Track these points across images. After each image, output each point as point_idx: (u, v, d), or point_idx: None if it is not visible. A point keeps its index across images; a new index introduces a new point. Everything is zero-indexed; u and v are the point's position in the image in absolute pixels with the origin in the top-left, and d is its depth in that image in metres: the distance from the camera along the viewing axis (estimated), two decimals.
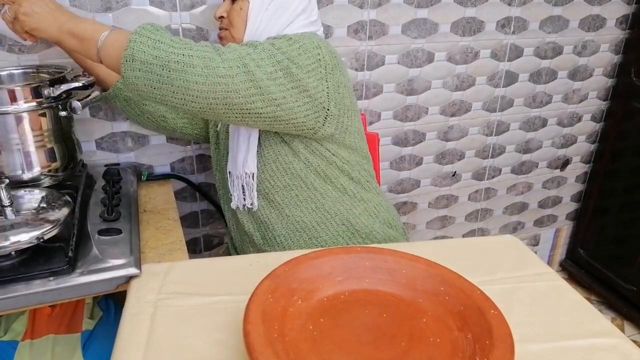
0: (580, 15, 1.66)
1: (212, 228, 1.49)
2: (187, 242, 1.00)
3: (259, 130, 0.98)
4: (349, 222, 1.03)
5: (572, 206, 2.07)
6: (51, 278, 0.76)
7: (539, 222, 2.04)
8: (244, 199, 1.05)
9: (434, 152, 1.69)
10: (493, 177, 1.84)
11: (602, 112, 1.89)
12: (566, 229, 2.11)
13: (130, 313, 0.70)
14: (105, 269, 0.79)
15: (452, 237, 1.88)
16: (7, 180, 0.81)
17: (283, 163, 0.99)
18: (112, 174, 1.13)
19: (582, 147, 1.94)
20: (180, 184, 1.37)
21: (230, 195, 1.08)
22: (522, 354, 0.58)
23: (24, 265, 0.78)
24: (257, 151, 1.00)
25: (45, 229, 0.79)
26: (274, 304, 0.62)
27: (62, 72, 1.01)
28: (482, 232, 1.95)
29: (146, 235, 0.98)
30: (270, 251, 1.05)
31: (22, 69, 1.08)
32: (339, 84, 0.94)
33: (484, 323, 0.61)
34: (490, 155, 1.78)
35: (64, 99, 0.98)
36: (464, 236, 1.91)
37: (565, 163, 1.94)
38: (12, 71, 1.07)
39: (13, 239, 0.77)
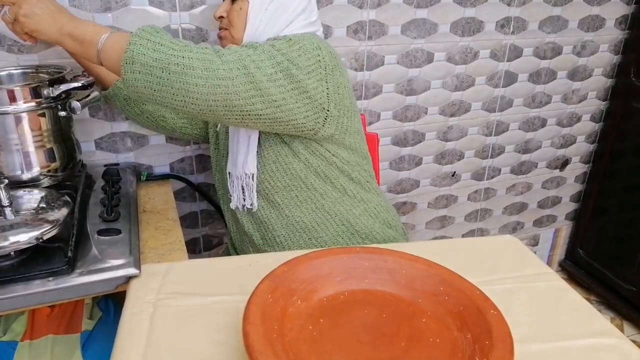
0: (579, 16, 1.66)
1: (211, 228, 1.49)
2: (186, 242, 1.00)
3: (259, 131, 0.98)
4: (348, 222, 1.03)
5: (572, 206, 2.07)
6: (50, 278, 0.76)
7: (538, 222, 2.04)
8: (244, 200, 1.05)
9: (434, 152, 1.69)
10: (492, 177, 1.84)
11: (601, 112, 1.89)
12: (565, 229, 2.11)
13: (130, 313, 0.70)
14: (104, 269, 0.79)
15: (451, 237, 1.88)
16: (6, 181, 0.81)
17: (283, 164, 0.99)
18: (112, 174, 1.13)
19: (582, 147, 1.94)
20: (180, 184, 1.37)
21: (230, 195, 1.08)
22: (521, 354, 0.58)
23: (23, 266, 0.78)
24: (257, 152, 1.00)
25: (45, 229, 0.79)
26: (273, 304, 0.62)
27: (61, 72, 1.01)
28: (482, 232, 1.95)
29: (145, 235, 0.98)
30: (270, 251, 1.05)
31: (22, 69, 1.08)
32: (339, 85, 0.94)
33: (484, 323, 0.61)
34: (489, 156, 1.78)
35: (63, 99, 0.98)
36: (463, 236, 1.92)
37: (564, 163, 1.94)
38: (11, 71, 1.07)
39: (12, 239, 0.76)
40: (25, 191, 0.91)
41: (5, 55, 1.10)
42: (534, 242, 2.08)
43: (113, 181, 1.10)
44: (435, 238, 1.86)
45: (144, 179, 1.27)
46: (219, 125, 1.14)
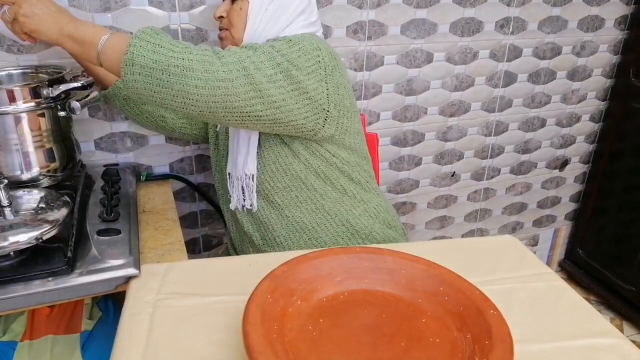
0: (579, 16, 1.66)
1: (211, 228, 1.49)
2: (186, 243, 1.00)
3: (259, 132, 0.98)
4: (348, 222, 1.03)
5: (571, 206, 2.07)
6: (50, 278, 0.76)
7: (538, 223, 2.04)
8: (244, 200, 1.05)
9: (433, 152, 1.69)
10: (492, 178, 1.84)
11: (600, 113, 1.90)
12: (565, 229, 2.11)
13: (130, 313, 0.70)
14: (104, 270, 0.79)
15: (451, 238, 1.88)
16: (5, 181, 0.81)
17: (283, 164, 0.99)
18: (111, 174, 1.13)
19: (581, 147, 1.94)
20: (179, 184, 1.37)
21: (230, 196, 1.08)
22: (521, 354, 0.58)
23: (23, 266, 0.78)
24: (257, 152, 1.00)
25: (44, 229, 0.79)
26: (273, 304, 0.62)
27: (60, 73, 1.01)
28: (481, 233, 1.95)
29: (145, 235, 0.98)
30: (270, 252, 1.05)
31: (21, 69, 1.08)
32: (339, 85, 0.94)
33: (483, 323, 0.61)
34: (489, 156, 1.79)
35: (63, 99, 0.98)
36: (463, 236, 1.92)
37: (564, 163, 1.94)
38: (10, 71, 1.07)
39: (12, 239, 0.76)
40: (24, 191, 0.91)
41: (5, 55, 1.10)
42: (533, 242, 2.08)
43: (112, 181, 1.10)
44: (435, 238, 1.86)
45: (144, 179, 1.27)
46: (218, 126, 1.14)
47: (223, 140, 1.11)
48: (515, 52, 1.63)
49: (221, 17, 1.01)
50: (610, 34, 1.74)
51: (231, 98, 0.81)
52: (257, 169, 1.01)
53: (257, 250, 1.08)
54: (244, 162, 1.01)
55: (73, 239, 0.83)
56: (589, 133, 1.92)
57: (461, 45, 1.54)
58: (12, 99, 0.92)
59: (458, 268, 0.71)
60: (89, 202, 1.01)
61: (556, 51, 1.69)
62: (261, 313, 0.59)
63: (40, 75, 1.06)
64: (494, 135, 1.75)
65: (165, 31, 0.83)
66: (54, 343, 0.94)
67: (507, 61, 1.63)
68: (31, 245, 0.78)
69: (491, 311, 0.62)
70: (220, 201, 1.19)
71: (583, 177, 2.01)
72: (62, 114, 0.98)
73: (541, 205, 2.00)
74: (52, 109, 0.97)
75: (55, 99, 0.96)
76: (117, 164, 1.27)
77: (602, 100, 1.87)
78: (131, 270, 0.79)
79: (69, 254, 0.79)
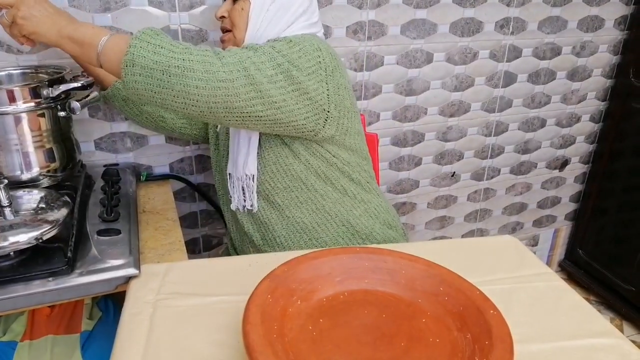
0: (578, 16, 1.66)
1: (211, 228, 1.49)
2: (186, 243, 1.00)
3: (260, 132, 0.98)
4: (349, 223, 1.04)
5: (571, 206, 2.07)
6: (50, 278, 0.76)
7: (538, 223, 2.04)
8: (244, 201, 1.05)
9: (433, 152, 1.69)
10: (492, 178, 1.84)
11: (600, 113, 1.90)
12: (565, 229, 2.11)
13: (130, 313, 0.70)
14: (104, 270, 0.79)
15: (451, 238, 1.88)
16: (6, 181, 0.81)
17: (283, 165, 0.99)
18: (111, 174, 1.13)
19: (581, 147, 1.94)
20: (179, 184, 1.37)
21: (230, 196, 1.08)
22: (521, 354, 0.58)
23: (23, 266, 0.78)
24: (258, 153, 1.00)
25: (44, 229, 0.79)
26: (273, 304, 0.62)
27: (60, 73, 1.01)
28: (481, 233, 1.95)
29: (145, 235, 0.98)
30: (270, 252, 1.05)
31: (21, 69, 1.08)
32: (339, 86, 0.94)
33: (483, 323, 0.61)
34: (489, 156, 1.79)
35: (63, 100, 0.98)
36: (463, 236, 1.92)
37: (564, 163, 1.94)
38: (10, 71, 1.07)
39: (12, 239, 0.76)
40: (24, 191, 0.91)
41: (5, 55, 1.10)
42: (533, 243, 2.08)
43: (113, 181, 1.10)
44: (435, 238, 1.86)
45: (144, 179, 1.27)
46: (219, 126, 1.14)
47: (223, 141, 1.11)
48: (515, 53, 1.63)
49: (222, 17, 1.01)
50: (610, 34, 1.75)
51: (232, 98, 0.81)
52: (258, 169, 1.01)
53: (258, 250, 1.08)
54: (244, 162, 1.01)
55: (73, 239, 0.83)
56: (589, 133, 1.92)
57: (461, 45, 1.54)
58: (12, 99, 0.92)
59: (458, 268, 0.71)
60: (89, 202, 1.01)
61: (556, 51, 1.69)
62: (261, 313, 0.59)
63: (40, 75, 1.06)
64: (494, 136, 1.75)
65: (165, 31, 0.83)
66: (54, 343, 0.94)
67: (507, 61, 1.63)
68: (31, 245, 0.78)
69: (491, 311, 0.62)
70: (220, 201, 1.19)
71: (583, 177, 2.01)
72: (62, 114, 0.98)
73: (541, 205, 2.00)
74: (52, 109, 0.97)
75: (55, 99, 0.96)
76: (117, 164, 1.27)
77: (602, 101, 1.87)
78: (131, 270, 0.79)
79: (69, 254, 0.79)
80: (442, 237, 1.88)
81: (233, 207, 1.08)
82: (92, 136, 1.25)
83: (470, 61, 1.57)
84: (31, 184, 0.98)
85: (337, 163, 1.01)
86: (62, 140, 1.02)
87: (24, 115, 0.94)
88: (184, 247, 0.94)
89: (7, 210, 0.81)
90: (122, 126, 1.27)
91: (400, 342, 0.61)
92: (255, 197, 1.03)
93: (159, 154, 1.33)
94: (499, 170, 1.84)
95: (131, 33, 1.07)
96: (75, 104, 0.94)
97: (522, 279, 0.80)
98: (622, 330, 1.83)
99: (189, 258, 0.92)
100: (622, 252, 1.87)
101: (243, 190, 1.03)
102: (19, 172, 0.97)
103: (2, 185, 0.80)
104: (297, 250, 0.99)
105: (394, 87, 1.51)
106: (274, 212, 1.03)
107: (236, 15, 0.98)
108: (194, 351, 0.63)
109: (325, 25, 1.34)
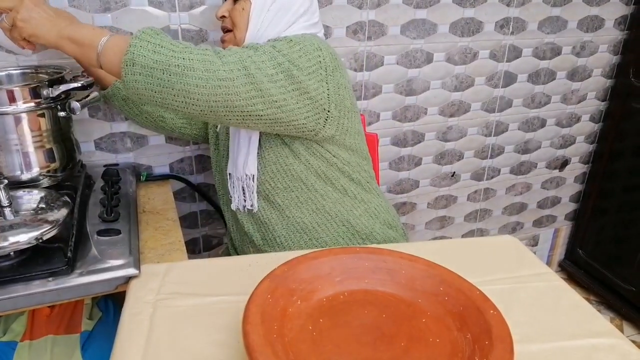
0: (578, 16, 1.66)
1: (211, 228, 1.49)
2: (186, 243, 1.00)
3: (260, 132, 0.98)
4: (349, 223, 1.04)
5: (571, 206, 2.07)
6: (50, 279, 0.76)
7: (538, 223, 2.04)
8: (244, 201, 1.05)
9: (433, 152, 1.69)
10: (492, 178, 1.84)
11: (600, 113, 1.90)
12: (565, 229, 2.11)
13: (130, 313, 0.70)
14: (104, 270, 0.79)
15: (451, 238, 1.88)
16: (6, 181, 0.81)
17: (283, 165, 0.99)
18: (111, 174, 1.13)
19: (581, 147, 1.94)
20: (179, 185, 1.37)
21: (230, 196, 1.08)
22: (521, 354, 0.58)
23: (23, 266, 0.78)
24: (258, 153, 1.00)
25: (44, 229, 0.79)
26: (273, 305, 0.62)
27: (60, 73, 1.01)
28: (481, 233, 1.95)
29: (145, 235, 0.98)
30: (270, 252, 1.05)
31: (21, 69, 1.08)
32: (339, 86, 0.94)
33: (483, 323, 0.61)
34: (489, 156, 1.79)
35: (63, 100, 0.98)
36: (463, 236, 1.92)
37: (564, 163, 1.94)
38: (10, 71, 1.07)
39: (12, 239, 0.76)
40: (24, 191, 0.91)
41: (5, 55, 1.10)
42: (533, 243, 2.08)
43: (113, 181, 1.10)
44: (435, 238, 1.86)
45: (144, 179, 1.27)
46: (219, 126, 1.14)
47: (223, 141, 1.11)
48: (515, 53, 1.63)
49: (223, 16, 1.01)
50: (610, 34, 1.75)
51: (232, 97, 0.81)
52: (258, 169, 1.01)
53: (258, 250, 1.08)
54: (244, 162, 1.01)
55: (73, 239, 0.83)
56: (589, 133, 1.92)
57: (461, 45, 1.54)
58: (12, 99, 0.92)
59: (458, 268, 0.71)
60: (89, 202, 1.01)
61: (556, 51, 1.69)
62: (261, 313, 0.59)
63: (40, 75, 1.06)
64: (494, 136, 1.75)
65: (165, 31, 0.83)
66: (54, 343, 0.94)
67: (507, 61, 1.63)
68: (31, 245, 0.78)
69: (491, 311, 0.62)
70: (220, 201, 1.19)
71: (583, 177, 2.01)
72: (62, 114, 0.98)
73: (541, 205, 2.00)
74: (52, 109, 0.97)
75: (55, 99, 0.96)
76: (117, 164, 1.27)
77: (602, 101, 1.87)
78: (131, 271, 0.79)
79: (69, 254, 0.79)
80: (442, 237, 1.88)
81: (233, 207, 1.08)
82: (92, 136, 1.25)
83: (470, 61, 1.58)
84: (31, 184, 0.98)
85: (337, 163, 1.01)
86: (62, 140, 1.02)
87: (24, 115, 0.94)
88: (184, 247, 0.94)
89: (7, 210, 0.81)
90: (122, 126, 1.27)
91: (400, 342, 0.61)
92: (256, 197, 1.03)
93: (159, 154, 1.33)
94: (499, 170, 1.84)
95: (131, 33, 1.06)
96: (75, 104, 0.94)
97: (522, 279, 0.80)
98: (622, 330, 1.83)
99: (189, 258, 0.92)
100: (622, 252, 1.87)
101: (243, 190, 1.03)
102: (19, 172, 0.97)
103: (2, 185, 0.80)
104: (297, 250, 0.99)
105: (394, 87, 1.51)
106: (274, 212, 1.03)
107: (237, 15, 0.98)
108: (194, 351, 0.63)
109: (325, 25, 1.34)
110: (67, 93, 0.98)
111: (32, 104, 0.94)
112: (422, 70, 1.53)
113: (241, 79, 0.81)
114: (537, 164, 1.89)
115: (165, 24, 1.20)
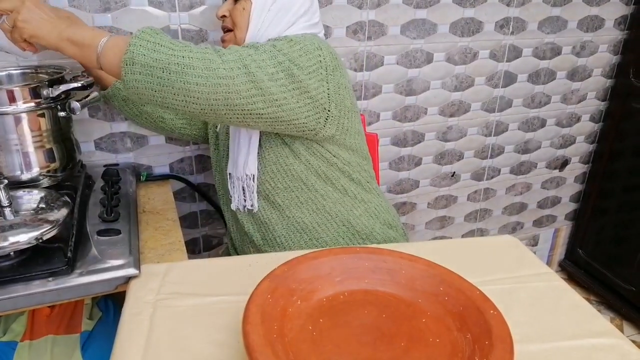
0: (578, 16, 1.66)
1: (211, 228, 1.49)
2: (186, 243, 1.00)
3: (260, 132, 0.98)
4: (349, 223, 1.04)
5: (571, 206, 2.07)
6: (50, 279, 0.76)
7: (538, 223, 2.04)
8: (245, 201, 1.05)
9: (433, 152, 1.69)
10: (492, 178, 1.84)
11: (600, 113, 1.90)
12: (565, 229, 2.11)
13: (130, 313, 0.70)
14: (104, 270, 0.79)
15: (451, 238, 1.88)
16: (6, 181, 0.81)
17: (284, 165, 0.99)
18: (111, 174, 1.13)
19: (581, 147, 1.94)
20: (179, 185, 1.37)
21: (231, 196, 1.08)
22: (521, 354, 0.58)
23: (23, 266, 0.78)
24: (258, 153, 1.00)
25: (44, 229, 0.79)
26: (273, 305, 0.62)
27: (60, 73, 1.01)
28: (481, 233, 1.95)
29: (145, 235, 0.98)
30: (270, 252, 1.05)
31: (21, 69, 1.08)
32: (340, 85, 0.94)
33: (483, 323, 0.61)
34: (489, 156, 1.79)
35: (63, 100, 0.98)
36: (463, 236, 1.92)
37: (564, 163, 1.94)
38: (10, 71, 1.07)
39: (12, 239, 0.76)
40: (24, 191, 0.91)
41: (5, 55, 1.09)
42: (533, 242, 2.08)
43: (113, 181, 1.10)
44: (435, 238, 1.86)
45: (144, 179, 1.27)
46: (218, 126, 1.14)
47: (223, 141, 1.11)
48: (515, 52, 1.63)
49: (224, 16, 1.01)
50: (610, 34, 1.75)
51: (232, 95, 0.81)
52: (258, 169, 1.01)
53: (258, 250, 1.08)
54: (244, 162, 1.01)
55: (73, 239, 0.83)
56: (588, 133, 1.92)
57: (461, 45, 1.54)
58: (12, 99, 0.92)
59: (458, 268, 0.71)
60: (89, 202, 1.01)
61: (556, 51, 1.69)
62: (261, 313, 0.59)
63: (40, 75, 1.06)
64: (494, 136, 1.75)
65: (165, 31, 0.83)
66: (54, 343, 0.94)
67: (507, 61, 1.63)
68: (31, 245, 0.78)
69: (491, 311, 0.62)
70: (220, 201, 1.19)
71: (583, 177, 2.01)
72: (62, 114, 0.98)
73: (541, 205, 2.00)
74: (52, 109, 0.97)
75: (55, 99, 0.96)
76: (117, 164, 1.27)
77: (602, 101, 1.87)
78: (131, 271, 0.79)
79: (69, 254, 0.79)
80: (442, 237, 1.88)
81: (233, 207, 1.08)
82: (92, 136, 1.25)
83: (470, 61, 1.57)
84: (31, 184, 0.98)
85: (337, 163, 1.01)
86: (62, 140, 1.02)
87: (24, 115, 0.94)
88: (184, 247, 0.94)
89: (7, 210, 0.81)
90: (122, 126, 1.27)
91: (400, 342, 0.61)
92: (256, 197, 1.03)
93: (159, 154, 1.33)
94: (499, 170, 1.84)
95: (131, 33, 1.06)
96: (75, 104, 0.94)
97: (522, 278, 0.80)
98: (622, 330, 1.83)
99: (189, 258, 0.92)
100: (622, 252, 1.87)
101: (243, 190, 1.03)
102: (19, 172, 0.97)
103: (2, 185, 0.80)
104: (297, 250, 0.99)
105: (394, 87, 1.51)
106: (274, 212, 1.03)
107: (237, 15, 0.98)
108: (194, 351, 0.63)
109: (325, 25, 1.34)
110: (67, 93, 0.98)
111: (32, 104, 0.94)
112: (422, 70, 1.53)
113: (241, 77, 0.81)
114: (537, 164, 1.89)
115: (165, 24, 1.20)
